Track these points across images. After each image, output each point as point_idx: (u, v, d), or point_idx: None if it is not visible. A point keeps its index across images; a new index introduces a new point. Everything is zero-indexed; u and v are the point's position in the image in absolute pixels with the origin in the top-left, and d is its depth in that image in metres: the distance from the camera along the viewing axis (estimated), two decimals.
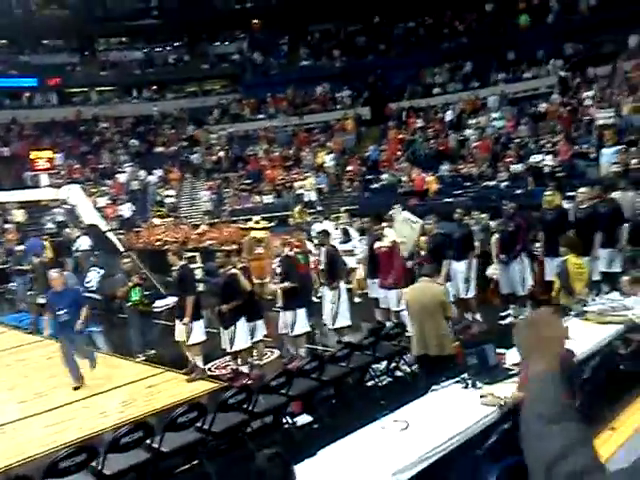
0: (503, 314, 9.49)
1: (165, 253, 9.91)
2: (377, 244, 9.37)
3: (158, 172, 25.02)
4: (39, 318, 11.03)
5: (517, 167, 17.11)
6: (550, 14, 24.25)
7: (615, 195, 9.83)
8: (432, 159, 20.34)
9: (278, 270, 9.03)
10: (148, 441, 5.32)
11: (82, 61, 31.93)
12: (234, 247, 11.08)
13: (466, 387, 5.15)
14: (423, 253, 9.36)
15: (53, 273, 8.96)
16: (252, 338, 8.39)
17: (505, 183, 16.78)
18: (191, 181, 25.33)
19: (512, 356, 5.12)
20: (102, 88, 31.62)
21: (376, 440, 4.39)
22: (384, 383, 7.44)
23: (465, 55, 25.67)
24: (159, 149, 27.56)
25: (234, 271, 8.28)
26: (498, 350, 5.45)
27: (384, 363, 7.66)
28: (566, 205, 10.10)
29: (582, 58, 21.67)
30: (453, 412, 4.74)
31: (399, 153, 21.46)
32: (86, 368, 8.72)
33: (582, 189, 9.76)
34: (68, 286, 9.19)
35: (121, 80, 31.52)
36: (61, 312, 8.39)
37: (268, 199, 21.75)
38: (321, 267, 10.06)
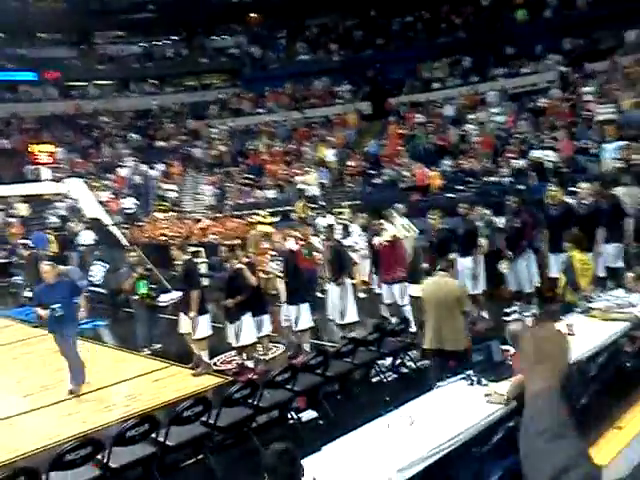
0: (508, 310, 9.50)
1: (169, 248, 9.93)
2: (376, 239, 9.39)
3: (159, 166, 24.98)
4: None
5: (519, 162, 17.09)
6: (547, 9, 24.22)
7: (620, 191, 9.84)
8: (433, 154, 20.32)
9: (273, 265, 9.09)
10: (154, 435, 5.36)
11: (80, 55, 31.84)
12: (236, 242, 11.06)
13: (472, 384, 5.18)
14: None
15: (45, 265, 8.37)
16: (258, 333, 8.41)
17: (507, 178, 16.77)
18: (193, 175, 25.30)
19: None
20: (101, 82, 31.55)
21: (381, 436, 4.41)
22: (389, 379, 7.46)
23: (463, 50, 25.61)
24: (160, 143, 27.50)
25: (239, 266, 8.30)
26: (503, 347, 5.48)
27: (389, 359, 7.68)
28: (569, 201, 10.11)
29: (580, 53, 21.66)
30: (458, 409, 4.77)
31: (400, 148, 21.42)
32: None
33: (583, 185, 9.77)
34: (61, 278, 8.63)
35: (119, 74, 31.43)
36: (55, 306, 7.80)
37: (270, 194, 21.72)
38: (323, 262, 10.06)
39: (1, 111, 27.75)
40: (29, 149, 24.10)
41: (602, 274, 8.92)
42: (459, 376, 5.35)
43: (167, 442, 5.37)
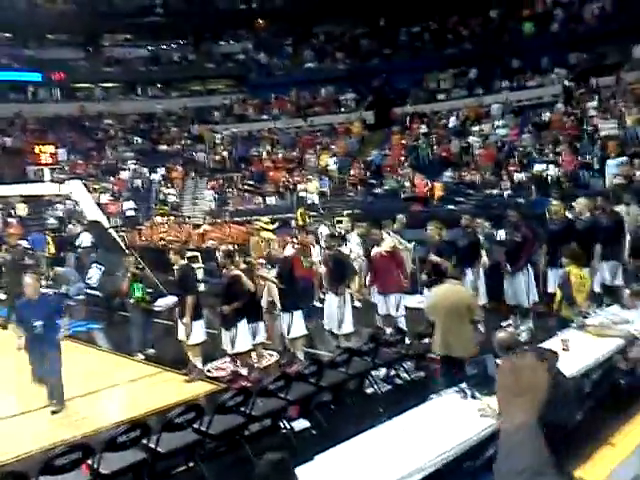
0: (504, 324, 9.44)
1: (167, 252, 9.91)
2: (375, 250, 9.35)
3: (161, 170, 25.03)
4: None
5: (520, 176, 17.09)
6: (554, 23, 24.26)
7: (620, 209, 9.81)
8: (435, 165, 20.33)
9: (264, 272, 9.07)
10: (145, 441, 5.31)
11: (87, 57, 32.01)
12: (230, 248, 11.02)
13: (465, 397, 5.15)
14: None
15: (28, 278, 7.48)
16: (252, 340, 8.37)
17: (508, 192, 16.76)
18: (194, 180, 25.33)
19: None
20: (106, 84, 31.69)
21: (373, 448, 4.38)
22: (383, 390, 7.42)
23: (469, 61, 25.72)
24: (163, 147, 27.56)
25: (237, 272, 8.26)
26: (498, 361, 5.44)
27: (383, 370, 7.64)
28: (569, 216, 10.08)
29: (586, 68, 21.68)
30: (451, 422, 4.73)
31: (402, 158, 21.44)
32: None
33: (580, 200, 9.74)
34: (45, 295, 8.04)
35: (125, 77, 31.64)
36: (36, 323, 7.06)
37: (271, 200, 21.73)
38: (322, 270, 10.03)
39: (6, 111, 27.83)
40: (32, 149, 24.12)
41: (598, 290, 8.88)
42: (453, 389, 5.32)
43: (158, 449, 5.32)
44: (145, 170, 24.88)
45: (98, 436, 6.46)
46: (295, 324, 8.54)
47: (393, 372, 7.68)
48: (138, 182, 24.20)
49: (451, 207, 16.44)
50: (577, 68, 22.08)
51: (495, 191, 17.23)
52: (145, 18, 30.92)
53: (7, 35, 30.85)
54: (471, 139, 20.81)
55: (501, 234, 10.62)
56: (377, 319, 9.65)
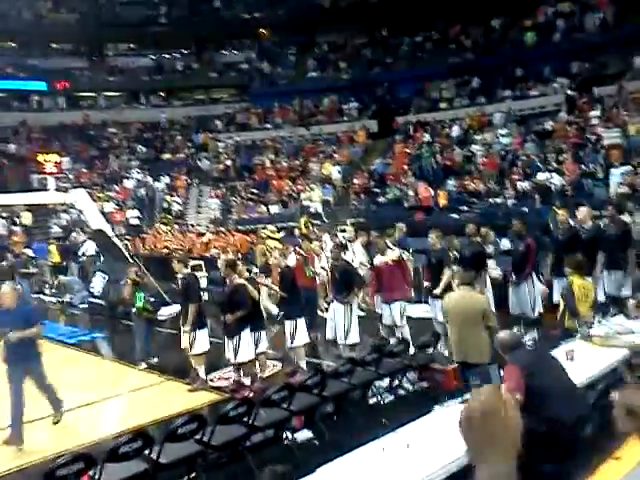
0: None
1: (170, 260, 9.91)
2: (379, 259, 9.33)
3: (165, 179, 25.08)
4: None
5: (524, 185, 17.07)
6: (556, 32, 24.29)
7: (624, 219, 9.76)
8: (438, 174, 20.32)
9: (267, 281, 9.05)
10: (147, 451, 5.28)
11: (90, 66, 32.16)
12: (232, 257, 11.03)
13: None
14: None
15: (5, 287, 7.07)
16: (255, 349, 8.35)
17: (512, 201, 16.73)
18: (198, 189, 25.37)
19: None
20: (110, 93, 31.81)
21: (376, 460, 4.35)
22: (386, 401, 7.38)
23: (471, 70, 25.73)
24: (166, 156, 27.62)
25: (240, 281, 8.25)
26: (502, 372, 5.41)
27: (387, 380, 7.60)
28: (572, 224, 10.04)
29: (588, 77, 21.68)
30: (455, 433, 4.69)
31: (405, 167, 21.44)
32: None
33: (582, 208, 9.66)
34: (22, 304, 7.51)
35: (129, 86, 31.74)
36: (11, 334, 6.67)
37: (274, 209, 21.74)
38: (328, 280, 10.01)
39: (10, 120, 27.99)
40: (36, 158, 24.20)
41: (602, 299, 8.82)
42: (456, 400, 5.28)
43: (160, 459, 5.30)
44: (149, 179, 24.91)
45: (100, 446, 6.44)
46: (298, 333, 8.52)
47: (396, 382, 7.64)
48: (142, 191, 24.22)
49: (454, 216, 16.41)
50: (579, 77, 22.04)
51: (499, 200, 17.20)
52: (149, 28, 31.06)
53: (12, 44, 31.02)
54: (474, 148, 20.80)
55: (505, 243, 10.58)
56: (381, 329, 9.62)
